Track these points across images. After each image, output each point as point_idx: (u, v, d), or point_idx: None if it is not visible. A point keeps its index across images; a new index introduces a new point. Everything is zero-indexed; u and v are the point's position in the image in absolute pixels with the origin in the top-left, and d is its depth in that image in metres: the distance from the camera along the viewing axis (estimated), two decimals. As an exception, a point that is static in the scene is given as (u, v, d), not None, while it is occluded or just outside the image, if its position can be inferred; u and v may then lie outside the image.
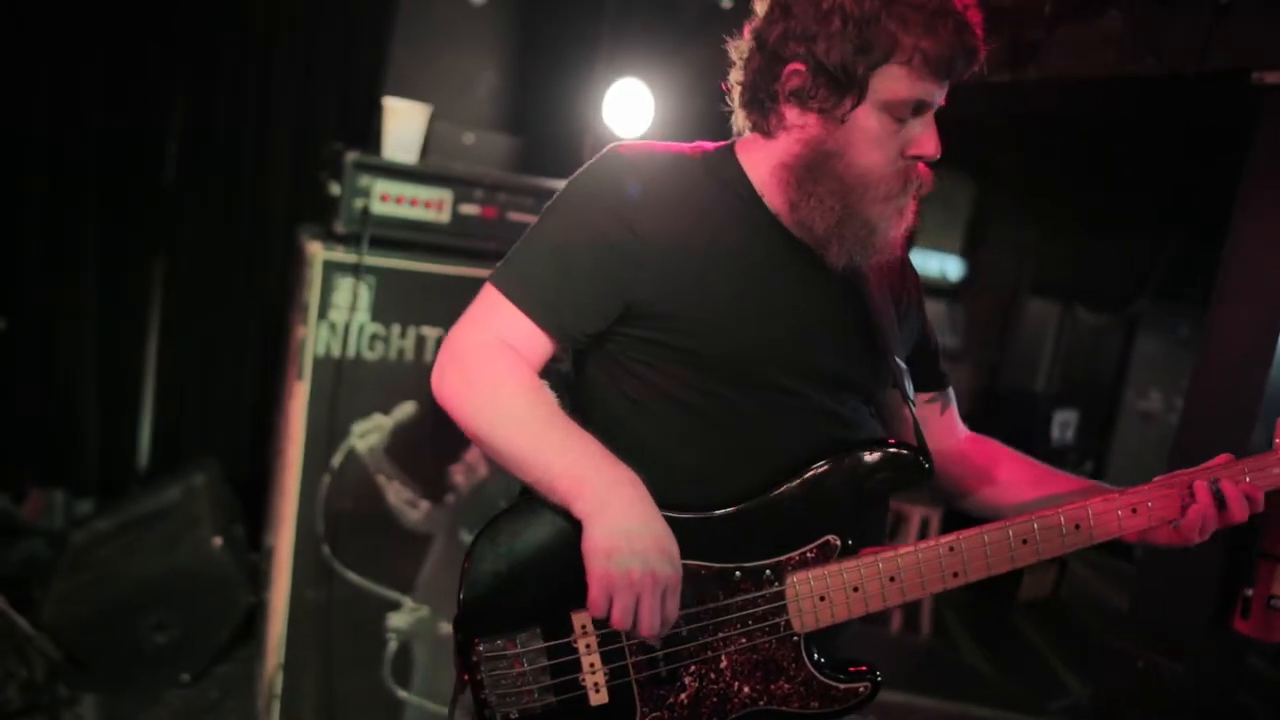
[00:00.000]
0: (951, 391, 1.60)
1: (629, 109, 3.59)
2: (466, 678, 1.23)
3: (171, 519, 3.17)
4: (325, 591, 2.67)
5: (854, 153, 1.25)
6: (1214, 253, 2.46)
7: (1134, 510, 1.32)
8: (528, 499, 1.25)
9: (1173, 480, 1.34)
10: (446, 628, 2.86)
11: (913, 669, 4.16)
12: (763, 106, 1.32)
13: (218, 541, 3.05)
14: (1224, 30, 2.34)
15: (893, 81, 1.22)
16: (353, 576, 2.71)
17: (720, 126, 1.45)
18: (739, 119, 1.37)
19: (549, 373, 1.34)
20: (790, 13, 1.26)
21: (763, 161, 1.33)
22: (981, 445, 1.58)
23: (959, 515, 1.56)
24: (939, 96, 1.26)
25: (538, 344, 1.29)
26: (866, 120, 1.24)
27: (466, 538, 2.82)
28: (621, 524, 1.17)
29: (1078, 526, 1.30)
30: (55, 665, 2.82)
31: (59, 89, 3.28)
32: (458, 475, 2.76)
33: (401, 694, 2.84)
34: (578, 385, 1.40)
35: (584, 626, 1.22)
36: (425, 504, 2.73)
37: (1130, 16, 2.51)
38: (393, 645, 2.80)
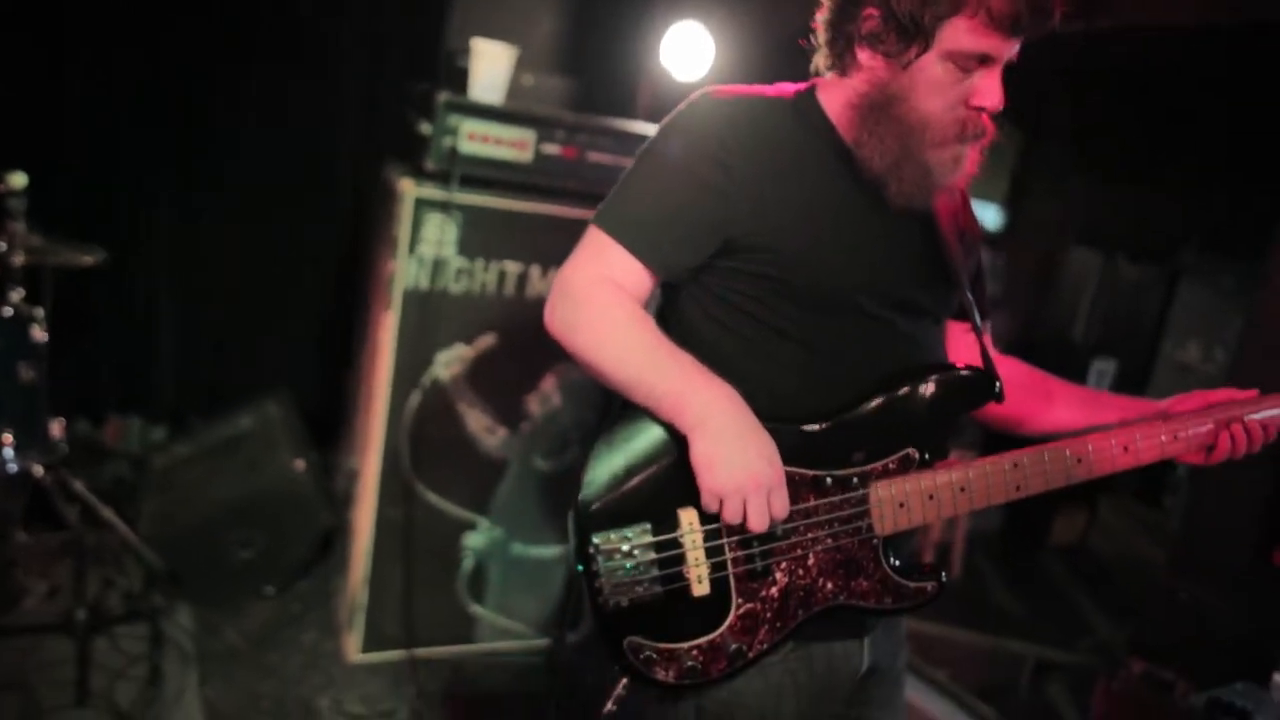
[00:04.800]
0: (989, 325, 1.69)
1: (687, 52, 3.63)
2: (581, 570, 1.35)
3: (250, 444, 3.34)
4: (407, 511, 2.83)
5: (916, 98, 1.32)
6: (1264, 204, 2.50)
7: (1175, 437, 1.46)
8: (636, 410, 1.37)
9: (1209, 411, 1.48)
10: (519, 548, 3.02)
11: (947, 606, 4.28)
12: (840, 47, 1.40)
13: (300, 464, 3.21)
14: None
15: (958, 33, 1.28)
16: (433, 498, 2.86)
17: (780, 71, 1.53)
18: (819, 58, 1.44)
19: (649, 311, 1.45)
20: None
21: (838, 101, 1.42)
22: (1018, 370, 1.67)
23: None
24: (1007, 50, 1.31)
25: (641, 278, 1.40)
26: (931, 68, 1.30)
27: (540, 463, 2.97)
28: (722, 435, 1.28)
29: (1126, 448, 1.44)
30: (152, 575, 3.01)
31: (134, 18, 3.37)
32: (533, 404, 2.89)
33: (475, 609, 3.01)
34: (669, 318, 1.51)
35: (690, 524, 1.34)
36: (502, 431, 2.87)
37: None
38: (468, 563, 2.96)
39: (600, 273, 1.39)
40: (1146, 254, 5.43)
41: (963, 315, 1.54)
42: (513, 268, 2.75)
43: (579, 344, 1.38)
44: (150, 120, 3.49)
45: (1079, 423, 1.59)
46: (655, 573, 1.34)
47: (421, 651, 2.97)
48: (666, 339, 1.38)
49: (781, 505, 1.31)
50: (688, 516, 1.34)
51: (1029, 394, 1.63)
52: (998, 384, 1.43)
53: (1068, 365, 5.24)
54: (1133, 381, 5.37)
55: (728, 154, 1.37)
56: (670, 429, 1.34)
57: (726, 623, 1.35)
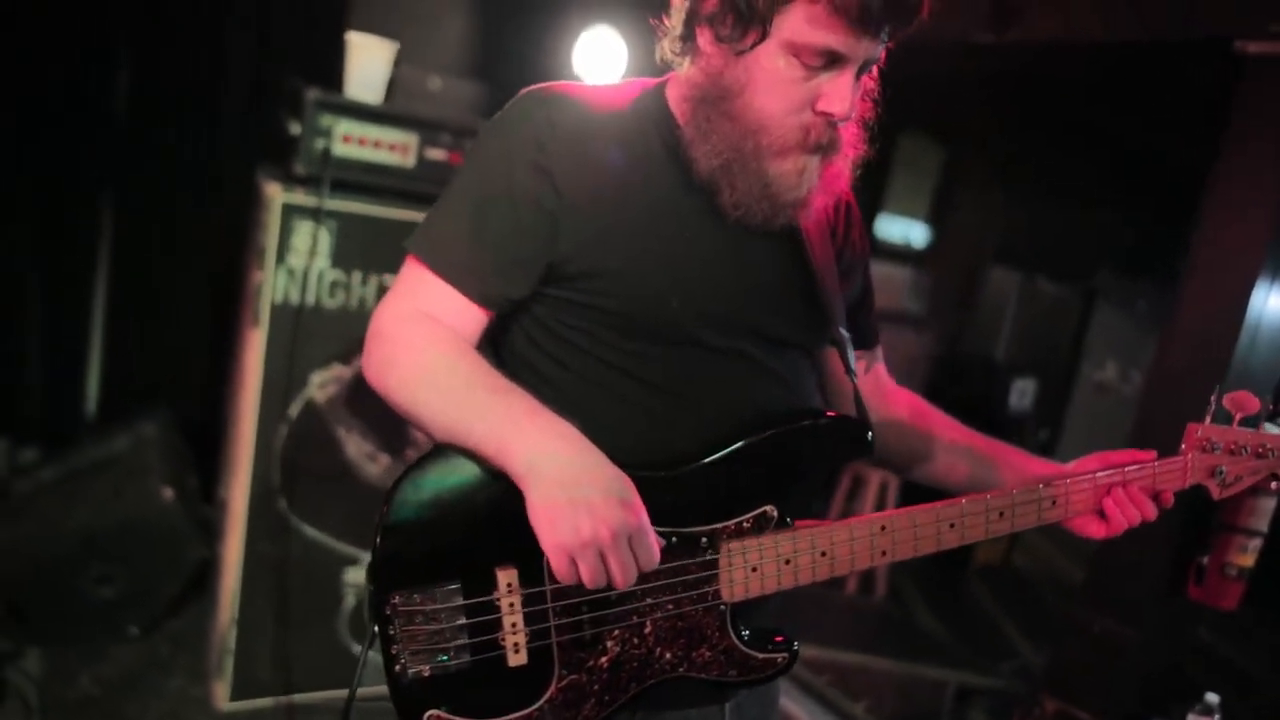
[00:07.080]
0: (879, 349, 1.56)
1: (600, 57, 3.50)
2: (378, 630, 1.16)
3: (119, 468, 3.06)
4: (281, 546, 2.60)
5: (752, 93, 1.16)
6: (1177, 227, 2.45)
7: (1053, 503, 1.35)
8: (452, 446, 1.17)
9: (1095, 477, 1.36)
10: (405, 584, 2.80)
11: (867, 631, 4.20)
12: (685, 31, 1.22)
13: (168, 493, 2.96)
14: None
15: (798, 22, 1.11)
16: (310, 531, 2.64)
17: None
18: (665, 45, 1.25)
19: (481, 345, 1.26)
20: None
21: (678, 96, 1.25)
22: (910, 409, 1.54)
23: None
24: (861, 51, 1.14)
25: (465, 314, 1.21)
26: (769, 60, 1.14)
27: (427, 493, 2.77)
28: (558, 482, 1.08)
29: (1001, 514, 1.32)
30: (-5, 617, 2.74)
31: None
32: (418, 429, 2.69)
33: (359, 650, 2.79)
34: (502, 350, 1.32)
35: (509, 584, 1.15)
36: (385, 458, 2.66)
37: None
38: (350, 601, 2.74)
39: (413, 308, 1.20)
40: (1065, 274, 5.45)
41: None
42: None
43: (393, 389, 1.19)
44: (9, 110, 3.21)
45: (959, 474, 1.48)
46: (464, 640, 1.15)
47: (299, 697, 2.74)
48: (493, 374, 1.18)
49: (648, 551, 1.10)
50: (506, 576, 1.15)
51: (910, 439, 1.51)
52: (868, 435, 1.28)
53: (989, 384, 5.23)
54: (1053, 401, 5.37)
55: (548, 160, 1.18)
56: (492, 471, 1.14)
57: (545, 696, 1.18)
